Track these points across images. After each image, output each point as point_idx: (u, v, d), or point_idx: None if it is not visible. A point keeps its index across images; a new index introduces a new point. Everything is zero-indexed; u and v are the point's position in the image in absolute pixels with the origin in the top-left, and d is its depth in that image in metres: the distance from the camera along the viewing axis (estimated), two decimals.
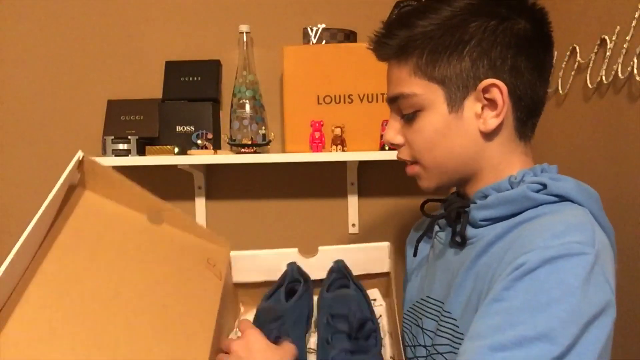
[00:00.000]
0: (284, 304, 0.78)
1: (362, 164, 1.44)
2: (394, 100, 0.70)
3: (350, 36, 1.33)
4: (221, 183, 1.48)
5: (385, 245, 0.79)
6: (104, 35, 1.45)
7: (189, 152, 1.30)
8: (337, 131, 1.26)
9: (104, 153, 1.31)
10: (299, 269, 0.80)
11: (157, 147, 1.32)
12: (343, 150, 1.27)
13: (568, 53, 1.02)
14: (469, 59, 0.64)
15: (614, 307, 0.55)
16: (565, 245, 0.54)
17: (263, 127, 1.35)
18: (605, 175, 0.93)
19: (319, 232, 1.48)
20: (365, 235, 1.48)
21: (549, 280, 0.52)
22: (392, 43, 0.67)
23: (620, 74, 0.86)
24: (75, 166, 0.60)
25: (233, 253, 0.82)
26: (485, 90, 0.64)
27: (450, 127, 0.66)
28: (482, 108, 0.65)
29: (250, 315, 0.84)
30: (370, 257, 0.81)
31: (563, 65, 1.04)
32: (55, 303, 0.54)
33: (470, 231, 0.67)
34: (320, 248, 0.81)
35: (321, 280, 0.83)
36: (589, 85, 0.95)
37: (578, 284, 0.52)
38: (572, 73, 1.02)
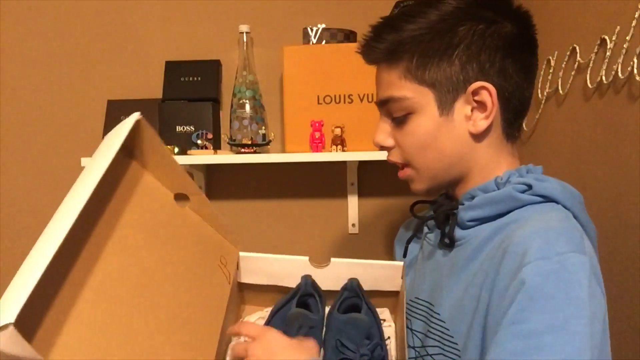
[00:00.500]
0: (305, 311, 0.76)
1: (362, 164, 1.44)
2: (383, 103, 0.71)
3: (350, 36, 1.33)
4: (221, 183, 1.48)
5: (399, 265, 0.77)
6: (104, 35, 1.45)
7: (189, 152, 1.30)
8: (337, 131, 1.26)
9: None
10: (314, 283, 0.78)
11: None
12: (343, 150, 1.27)
13: (568, 53, 1.02)
14: (459, 62, 0.65)
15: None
16: (562, 256, 0.55)
17: (263, 127, 1.35)
18: (605, 175, 0.93)
19: (319, 232, 1.48)
20: (365, 235, 1.48)
21: (558, 297, 0.53)
22: (381, 47, 0.68)
23: (620, 74, 0.86)
24: (131, 130, 0.56)
25: (242, 254, 0.80)
26: (475, 92, 0.66)
27: (441, 129, 0.67)
28: (472, 110, 0.67)
29: (253, 317, 0.84)
30: (382, 275, 0.78)
31: (563, 65, 1.04)
32: (103, 298, 0.53)
33: (458, 232, 0.68)
34: (333, 260, 0.78)
35: (329, 291, 0.81)
36: (589, 85, 0.95)
37: (585, 296, 0.53)
38: (572, 73, 1.02)
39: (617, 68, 0.87)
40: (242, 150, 1.30)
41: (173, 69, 1.41)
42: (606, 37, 0.90)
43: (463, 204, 0.69)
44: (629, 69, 0.84)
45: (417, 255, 0.79)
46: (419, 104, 0.67)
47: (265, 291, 0.83)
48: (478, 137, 0.68)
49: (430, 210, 0.79)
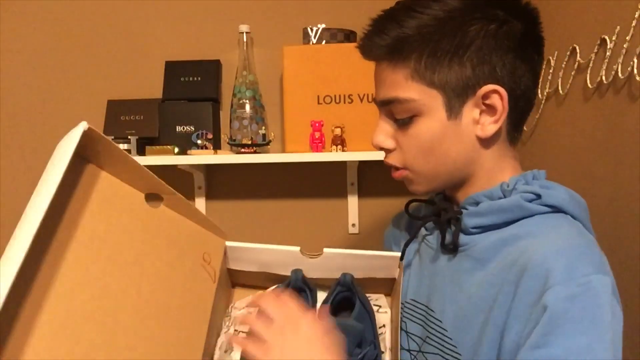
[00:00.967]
0: None
1: (362, 164, 1.44)
2: (385, 104, 0.67)
3: (350, 36, 1.33)
4: (221, 183, 1.48)
5: (394, 255, 0.74)
6: (104, 35, 1.45)
7: (189, 152, 1.30)
8: (337, 131, 1.26)
9: None
10: (304, 277, 0.75)
11: (157, 147, 1.32)
12: (343, 150, 1.27)
13: (568, 53, 1.02)
14: (470, 64, 0.62)
15: None
16: (585, 278, 0.54)
17: (263, 127, 1.35)
18: (605, 175, 0.93)
19: (319, 232, 1.48)
20: (365, 235, 1.48)
21: (582, 321, 0.53)
22: (384, 43, 0.64)
23: (620, 74, 0.86)
24: (79, 138, 0.56)
25: (231, 244, 0.77)
26: (486, 96, 0.63)
27: (448, 133, 0.64)
28: (480, 114, 0.64)
29: (243, 302, 0.81)
30: (377, 265, 0.75)
31: (563, 65, 1.04)
32: (68, 300, 0.53)
33: (462, 238, 0.66)
34: (326, 250, 0.74)
35: (322, 279, 0.79)
36: (589, 85, 0.95)
37: (609, 318, 0.54)
38: (572, 73, 1.02)
39: (617, 68, 0.87)
40: (242, 150, 1.30)
41: (173, 69, 1.41)
42: (606, 37, 0.90)
43: (466, 209, 0.67)
44: (629, 69, 0.84)
45: (414, 257, 0.77)
46: (426, 106, 0.64)
47: (256, 277, 0.80)
48: (484, 141, 0.65)
49: (426, 211, 0.77)
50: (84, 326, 0.53)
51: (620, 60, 0.86)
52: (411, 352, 0.71)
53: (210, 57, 1.43)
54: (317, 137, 1.27)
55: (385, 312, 0.79)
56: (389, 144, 0.69)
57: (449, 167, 0.67)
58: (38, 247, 0.52)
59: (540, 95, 1.12)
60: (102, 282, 0.56)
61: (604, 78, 0.91)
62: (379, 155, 1.27)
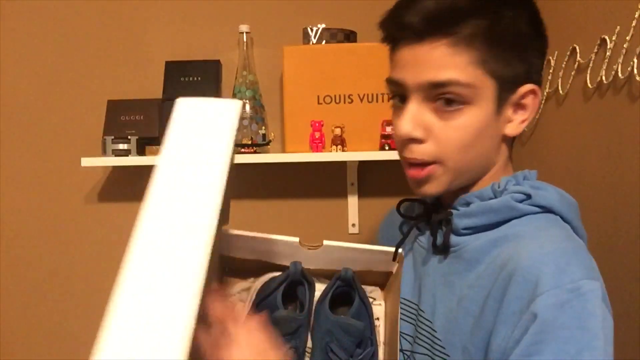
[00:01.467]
0: (294, 313, 0.71)
1: (362, 164, 1.44)
2: (433, 86, 0.60)
3: (350, 36, 1.33)
4: None
5: (391, 251, 0.73)
6: (104, 35, 1.45)
7: None
8: (337, 131, 1.26)
9: (104, 153, 1.31)
10: (303, 270, 0.72)
11: (157, 147, 1.32)
12: (343, 150, 1.27)
13: (568, 53, 1.02)
14: (522, 61, 0.62)
15: None
16: (575, 284, 0.54)
17: (263, 127, 1.35)
18: (605, 175, 0.93)
19: (319, 232, 1.48)
20: (366, 235, 1.48)
21: (572, 327, 0.52)
22: (445, 15, 0.59)
23: (620, 74, 0.86)
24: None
25: (228, 231, 0.73)
26: (524, 95, 0.63)
27: (489, 127, 0.62)
28: (513, 112, 0.64)
29: (235, 289, 0.77)
30: (376, 259, 0.74)
31: (563, 65, 1.04)
32: None
33: (452, 239, 0.66)
34: (325, 242, 0.72)
35: (320, 270, 0.76)
36: (589, 85, 0.95)
37: (599, 324, 0.53)
38: (572, 73, 1.02)
39: (617, 68, 0.87)
40: (242, 150, 1.30)
41: (173, 69, 1.41)
42: (606, 37, 0.90)
43: (457, 209, 0.66)
44: (629, 69, 0.84)
45: (406, 256, 0.76)
46: (480, 96, 0.60)
47: (252, 265, 0.77)
48: (506, 140, 0.65)
49: (418, 210, 0.75)
50: None
51: (620, 60, 0.86)
52: (404, 352, 0.71)
53: (210, 57, 1.43)
54: (317, 137, 1.27)
55: (380, 304, 0.78)
56: (419, 133, 0.62)
57: (477, 164, 0.65)
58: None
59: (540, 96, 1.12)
60: None
61: (604, 78, 0.91)
62: (379, 155, 1.28)
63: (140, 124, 1.38)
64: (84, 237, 1.45)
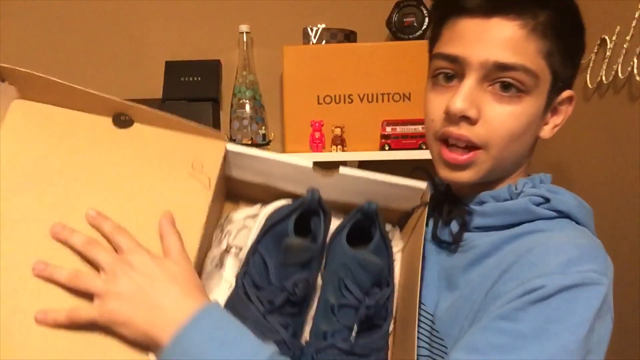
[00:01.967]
0: (307, 242, 0.63)
1: (362, 164, 1.44)
2: (500, 68, 0.57)
3: (350, 36, 1.33)
4: None
5: (421, 186, 0.64)
6: (104, 35, 1.45)
7: None
8: (337, 131, 1.26)
9: None
10: (321, 199, 0.63)
11: None
12: (343, 150, 1.27)
13: None
14: (575, 65, 0.62)
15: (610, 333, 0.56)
16: (582, 274, 0.52)
17: (263, 127, 1.35)
18: (605, 174, 0.93)
19: None
20: None
21: (561, 309, 0.51)
22: (530, 4, 0.57)
23: (620, 74, 0.86)
24: None
25: (234, 148, 0.66)
26: (563, 100, 0.62)
27: (535, 123, 0.61)
28: (551, 115, 0.63)
29: (239, 214, 0.70)
30: (397, 194, 0.66)
31: None
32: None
33: (458, 233, 0.64)
34: (342, 170, 0.65)
35: (332, 202, 0.69)
36: (589, 85, 0.95)
37: (589, 316, 0.51)
38: None
39: (617, 68, 0.87)
40: None
41: (173, 69, 1.41)
42: (606, 37, 0.90)
43: (470, 207, 0.65)
44: (629, 69, 0.84)
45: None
46: (539, 88, 0.58)
47: (259, 190, 0.71)
48: (536, 142, 0.64)
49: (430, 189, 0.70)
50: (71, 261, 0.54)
51: (620, 60, 0.86)
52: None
53: (210, 57, 1.43)
54: (317, 137, 1.27)
55: (397, 245, 0.71)
56: (474, 113, 0.58)
57: (514, 160, 0.63)
58: None
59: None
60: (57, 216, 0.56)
61: (604, 78, 0.91)
62: (379, 156, 1.28)
63: None
64: None
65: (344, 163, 1.43)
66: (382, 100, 1.28)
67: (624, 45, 0.85)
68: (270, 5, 1.44)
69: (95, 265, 0.53)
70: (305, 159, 0.65)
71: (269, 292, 0.59)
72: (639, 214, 0.83)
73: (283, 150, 1.38)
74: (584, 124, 0.99)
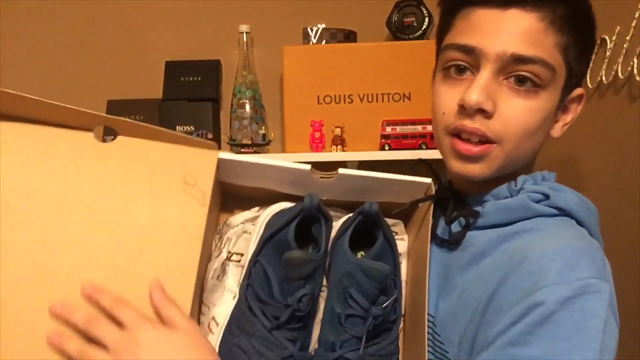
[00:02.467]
0: (310, 253, 0.61)
1: (362, 164, 1.44)
2: (518, 60, 0.55)
3: (350, 36, 1.33)
4: None
5: (426, 182, 0.62)
6: (104, 35, 1.45)
7: None
8: (337, 131, 1.26)
9: None
10: (320, 205, 0.61)
11: None
12: (343, 150, 1.27)
13: None
14: (588, 62, 0.61)
15: None
16: (582, 282, 0.50)
17: (263, 127, 1.35)
18: (605, 175, 0.93)
19: None
20: None
21: (568, 324, 0.49)
22: (556, 2, 0.56)
23: (620, 74, 0.86)
24: None
25: (226, 156, 0.63)
26: (574, 98, 0.61)
27: (549, 119, 0.59)
28: (562, 112, 0.62)
29: (238, 219, 0.69)
30: (400, 190, 0.64)
31: None
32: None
33: (460, 233, 0.63)
34: (341, 171, 0.63)
35: (334, 201, 0.69)
36: (589, 85, 0.95)
37: (599, 328, 0.49)
38: None
39: (617, 68, 0.87)
40: (242, 150, 1.30)
41: (173, 69, 1.41)
42: (606, 37, 0.90)
43: (469, 205, 0.64)
44: (629, 69, 0.84)
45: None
46: (555, 83, 0.57)
47: (255, 192, 0.68)
48: (545, 140, 0.62)
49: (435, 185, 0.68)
50: (65, 287, 0.52)
51: (620, 60, 0.86)
52: None
53: (210, 57, 1.43)
54: (317, 137, 1.27)
55: (402, 239, 0.69)
56: (490, 106, 0.56)
57: (527, 157, 0.62)
58: None
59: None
60: (61, 237, 0.53)
61: (604, 78, 0.91)
62: (379, 156, 1.28)
63: None
64: None
65: (344, 163, 1.43)
66: (382, 100, 1.28)
67: (624, 45, 0.85)
68: (270, 5, 1.44)
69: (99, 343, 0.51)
70: (302, 163, 0.64)
71: (273, 308, 0.58)
72: (639, 213, 0.83)
73: (283, 150, 1.38)
74: (584, 124, 0.99)
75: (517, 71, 0.56)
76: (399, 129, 1.26)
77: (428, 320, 0.62)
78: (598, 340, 0.49)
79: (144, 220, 0.57)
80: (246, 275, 0.62)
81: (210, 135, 1.35)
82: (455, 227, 0.64)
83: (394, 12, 1.29)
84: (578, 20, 0.57)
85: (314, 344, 0.61)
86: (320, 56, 1.28)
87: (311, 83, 1.28)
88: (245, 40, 1.34)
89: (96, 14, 1.45)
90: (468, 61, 0.58)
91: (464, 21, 0.58)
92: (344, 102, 1.28)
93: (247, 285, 0.60)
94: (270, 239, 0.61)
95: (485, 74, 0.56)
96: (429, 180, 0.62)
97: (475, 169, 0.59)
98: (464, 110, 0.57)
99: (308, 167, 0.63)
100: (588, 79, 0.96)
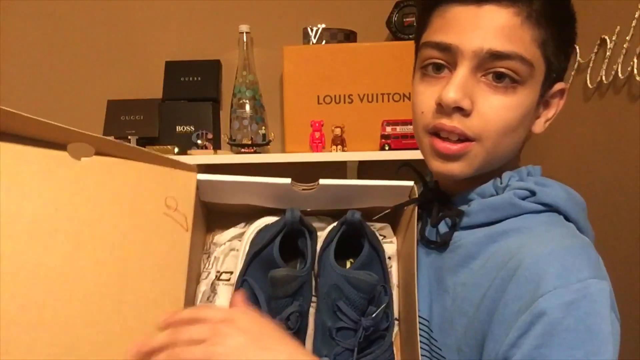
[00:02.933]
0: (295, 270, 0.61)
1: (362, 164, 1.44)
2: (495, 56, 0.54)
3: (350, 36, 1.33)
4: None
5: (408, 185, 0.62)
6: (104, 35, 1.45)
7: (189, 152, 1.30)
8: (337, 131, 1.26)
9: None
10: (302, 218, 0.61)
11: (157, 147, 1.32)
12: (343, 150, 1.27)
13: None
14: (567, 57, 0.59)
15: None
16: (582, 283, 0.50)
17: (263, 127, 1.35)
18: (605, 174, 0.93)
19: None
20: None
21: (580, 330, 0.48)
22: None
23: (620, 74, 0.86)
24: None
25: (204, 177, 0.63)
26: (554, 94, 0.60)
27: (530, 115, 0.58)
28: (542, 109, 0.61)
29: (225, 236, 0.68)
30: (384, 195, 0.64)
31: None
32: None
33: (447, 234, 0.62)
34: (322, 182, 0.62)
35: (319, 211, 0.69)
36: (589, 85, 0.95)
37: (607, 327, 0.49)
38: (572, 73, 1.02)
39: (617, 68, 0.87)
40: (242, 150, 1.30)
41: (173, 69, 1.41)
42: (606, 37, 0.90)
43: (455, 204, 0.63)
44: (629, 69, 0.84)
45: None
46: (534, 79, 0.56)
47: (239, 208, 0.68)
48: (529, 136, 0.61)
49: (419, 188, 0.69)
50: (42, 314, 0.48)
51: (620, 60, 0.86)
52: None
53: (210, 57, 1.43)
54: (317, 137, 1.27)
55: (391, 241, 0.68)
56: (468, 104, 0.55)
57: (508, 153, 0.60)
58: None
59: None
60: (44, 266, 0.49)
61: (604, 78, 0.91)
62: (379, 156, 1.28)
63: (140, 124, 1.38)
64: None
65: (344, 163, 1.43)
66: (382, 100, 1.28)
67: (624, 45, 0.85)
68: (270, 5, 1.44)
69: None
70: (282, 178, 0.63)
71: None
72: (638, 213, 0.83)
73: (283, 150, 1.38)
74: (584, 124, 0.99)
75: (494, 67, 0.55)
76: (399, 129, 1.26)
77: (423, 324, 0.62)
78: (610, 341, 0.49)
79: (128, 246, 0.55)
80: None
81: (210, 135, 1.35)
82: (443, 228, 0.63)
83: (394, 12, 1.29)
84: (555, 14, 0.56)
85: None
86: (320, 56, 1.28)
87: (311, 83, 1.28)
88: (245, 40, 1.34)
89: (96, 14, 1.45)
90: (445, 59, 0.57)
91: (440, 19, 0.58)
92: (344, 102, 1.28)
93: None
94: (256, 257, 0.61)
95: (462, 71, 0.56)
96: (410, 183, 0.62)
97: (455, 168, 0.58)
98: (442, 108, 0.56)
99: (288, 180, 0.63)
100: (588, 79, 0.96)
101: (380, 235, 0.67)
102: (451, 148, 0.57)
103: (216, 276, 0.65)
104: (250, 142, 1.31)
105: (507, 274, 0.53)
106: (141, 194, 0.57)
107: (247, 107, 1.33)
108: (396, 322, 0.66)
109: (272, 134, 1.37)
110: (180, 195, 0.60)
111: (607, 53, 0.89)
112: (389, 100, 1.28)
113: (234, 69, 1.36)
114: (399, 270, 0.67)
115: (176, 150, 1.32)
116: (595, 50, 0.93)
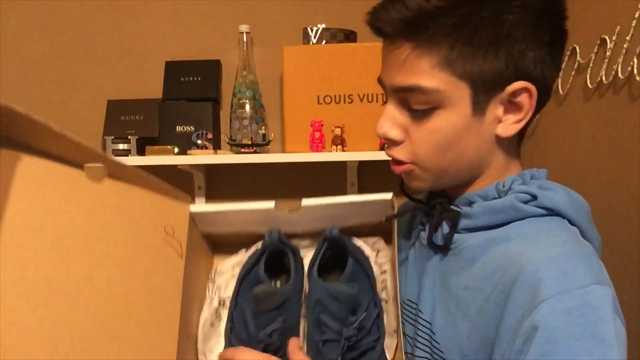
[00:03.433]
0: (274, 286, 0.64)
1: (362, 164, 1.44)
2: (401, 91, 0.58)
3: (350, 36, 1.33)
4: (221, 183, 1.48)
5: (387, 198, 0.64)
6: (104, 35, 1.45)
7: (189, 152, 1.31)
8: (337, 131, 1.26)
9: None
10: (281, 238, 0.64)
11: (157, 147, 1.32)
12: (343, 150, 1.27)
13: (568, 53, 1.02)
14: (504, 57, 0.56)
15: None
16: (584, 289, 0.50)
17: (263, 127, 1.35)
18: (605, 175, 0.93)
19: None
20: None
21: (585, 336, 0.48)
22: (406, 17, 0.56)
23: (620, 74, 0.86)
24: None
25: (196, 209, 0.67)
26: (514, 93, 0.58)
27: (470, 129, 0.58)
28: (504, 111, 0.59)
29: (227, 264, 0.71)
30: (368, 210, 0.66)
31: (563, 66, 1.04)
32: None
33: (448, 235, 0.63)
34: (305, 202, 0.65)
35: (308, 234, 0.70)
36: (589, 85, 0.95)
37: (612, 333, 0.49)
38: (572, 73, 1.02)
39: (617, 68, 0.87)
40: (242, 150, 1.30)
41: (173, 69, 1.41)
42: (606, 37, 0.90)
43: (460, 208, 0.63)
44: (629, 69, 0.84)
45: (408, 254, 0.72)
46: (450, 99, 0.57)
47: (237, 236, 0.71)
48: (502, 140, 0.60)
49: (423, 196, 0.70)
50: (36, 335, 0.46)
51: (620, 60, 0.86)
52: (406, 354, 0.67)
53: (210, 57, 1.43)
54: (317, 137, 1.27)
55: (385, 255, 0.71)
56: (396, 134, 0.60)
57: (461, 166, 0.61)
58: None
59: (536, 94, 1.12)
60: (46, 282, 0.48)
61: (604, 78, 0.91)
62: (379, 156, 1.28)
63: (140, 124, 1.38)
64: None
65: (344, 163, 1.43)
66: (382, 101, 1.28)
67: (624, 45, 0.85)
68: (270, 5, 1.44)
69: None
70: (265, 202, 0.66)
71: (249, 344, 0.60)
72: (638, 213, 0.83)
73: (283, 150, 1.38)
74: (584, 124, 0.99)
75: (406, 99, 0.59)
76: None
77: (425, 326, 0.63)
78: (615, 347, 0.49)
79: (132, 268, 0.57)
80: (229, 318, 0.65)
81: (210, 135, 1.35)
82: (445, 231, 0.64)
83: None
84: (459, 30, 0.55)
85: None
86: (320, 56, 1.28)
87: (311, 83, 1.28)
88: (245, 40, 1.34)
89: (96, 13, 1.45)
90: (384, 93, 0.63)
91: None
92: (344, 102, 1.29)
93: (230, 329, 0.63)
94: (245, 279, 0.64)
95: (390, 104, 0.60)
96: (389, 195, 0.65)
97: (414, 184, 0.63)
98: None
99: (272, 204, 0.66)
100: (588, 79, 0.96)
101: (375, 249, 0.70)
102: (396, 169, 0.63)
103: (219, 302, 0.68)
104: (250, 142, 1.31)
105: (510, 279, 0.53)
106: (141, 218, 0.59)
107: (247, 107, 1.33)
108: (394, 335, 0.67)
109: (272, 134, 1.37)
110: (175, 224, 0.63)
111: (607, 53, 0.89)
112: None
113: (234, 69, 1.36)
114: (392, 278, 0.68)
115: (176, 150, 1.32)
116: (595, 50, 0.93)
